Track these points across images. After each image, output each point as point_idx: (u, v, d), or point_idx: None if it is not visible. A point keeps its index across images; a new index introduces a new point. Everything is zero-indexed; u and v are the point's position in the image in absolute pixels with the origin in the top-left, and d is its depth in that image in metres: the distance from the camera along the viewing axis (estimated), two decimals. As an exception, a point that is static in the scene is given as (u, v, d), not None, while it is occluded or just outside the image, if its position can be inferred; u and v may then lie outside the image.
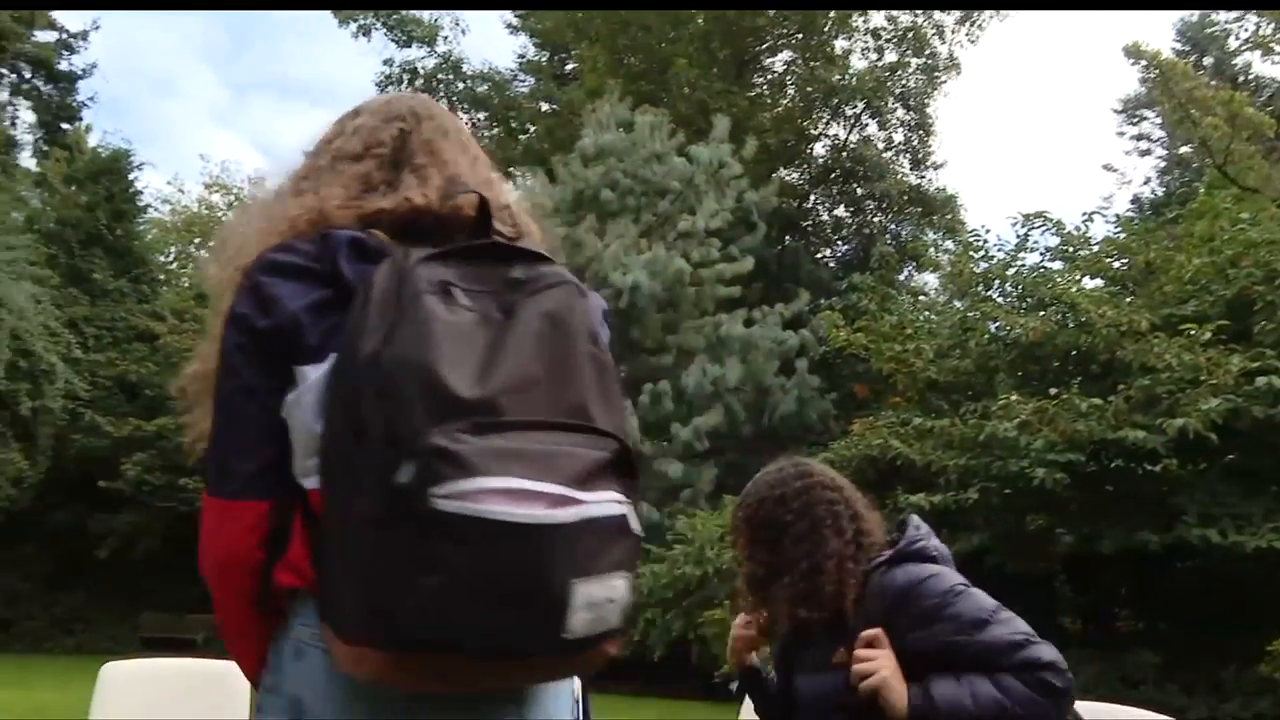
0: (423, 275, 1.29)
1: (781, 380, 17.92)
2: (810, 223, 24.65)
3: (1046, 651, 2.07)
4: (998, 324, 12.85)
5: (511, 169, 23.62)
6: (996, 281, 13.81)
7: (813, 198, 24.68)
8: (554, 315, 1.36)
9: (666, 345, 17.99)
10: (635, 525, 1.31)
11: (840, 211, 24.52)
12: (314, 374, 1.37)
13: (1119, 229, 15.19)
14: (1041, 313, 12.56)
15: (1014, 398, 10.78)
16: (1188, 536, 10.19)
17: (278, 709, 1.41)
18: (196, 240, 30.40)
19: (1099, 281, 13.55)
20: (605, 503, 1.27)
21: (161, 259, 28.39)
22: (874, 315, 15.28)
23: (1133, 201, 24.67)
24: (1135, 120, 27.60)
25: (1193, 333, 10.41)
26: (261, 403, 1.40)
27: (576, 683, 1.56)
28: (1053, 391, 10.67)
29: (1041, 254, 13.94)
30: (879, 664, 2.09)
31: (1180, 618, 11.68)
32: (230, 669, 4.13)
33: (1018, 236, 13.94)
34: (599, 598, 1.24)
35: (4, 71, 25.48)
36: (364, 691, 1.31)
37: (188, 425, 1.59)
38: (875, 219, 23.59)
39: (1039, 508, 10.98)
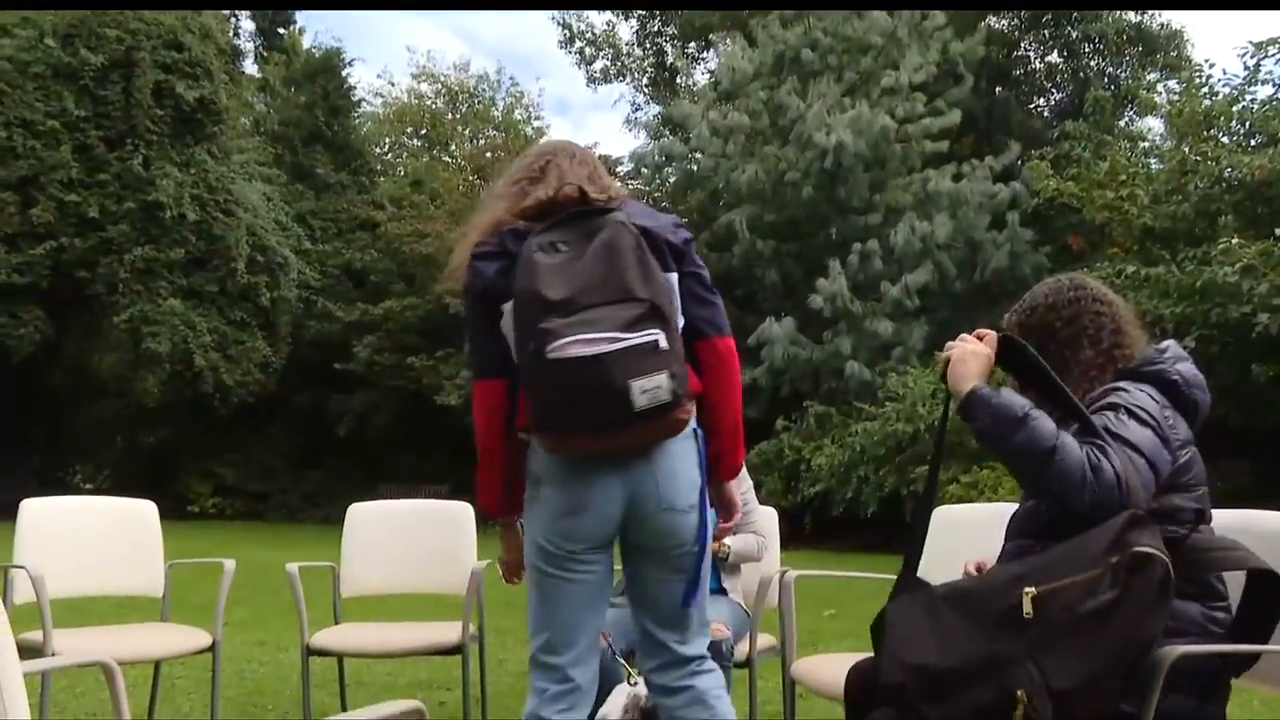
0: (535, 241, 2.34)
1: (993, 235, 17.37)
2: (1021, 71, 23.39)
3: (1112, 461, 2.01)
4: (1221, 165, 12.02)
5: (711, 35, 23.31)
6: (1221, 119, 12.88)
7: (1023, 44, 23.37)
8: (607, 242, 2.33)
9: (874, 204, 17.71)
10: (665, 344, 2.25)
11: (1053, 57, 23.12)
12: (506, 308, 2.40)
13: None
14: (1271, 150, 11.68)
15: (1236, 241, 10.17)
16: None
17: (530, 487, 2.46)
18: (409, 130, 31.44)
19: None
20: (643, 335, 2.23)
21: (377, 150, 29.56)
22: (1087, 163, 14.56)
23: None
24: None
25: None
26: (491, 327, 2.45)
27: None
28: (1279, 232, 10.00)
29: (1275, 85, 12.90)
30: (962, 346, 2.20)
31: None
32: (454, 508, 4.60)
33: (1246, 69, 12.91)
34: (650, 386, 2.21)
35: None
36: (558, 460, 2.38)
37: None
38: (1091, 63, 22.15)
39: (1265, 357, 10.41)
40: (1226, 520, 2.48)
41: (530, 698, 2.43)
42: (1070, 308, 2.33)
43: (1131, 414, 2.12)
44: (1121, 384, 2.20)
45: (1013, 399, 2.10)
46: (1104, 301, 2.34)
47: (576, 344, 2.18)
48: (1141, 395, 2.17)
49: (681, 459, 2.41)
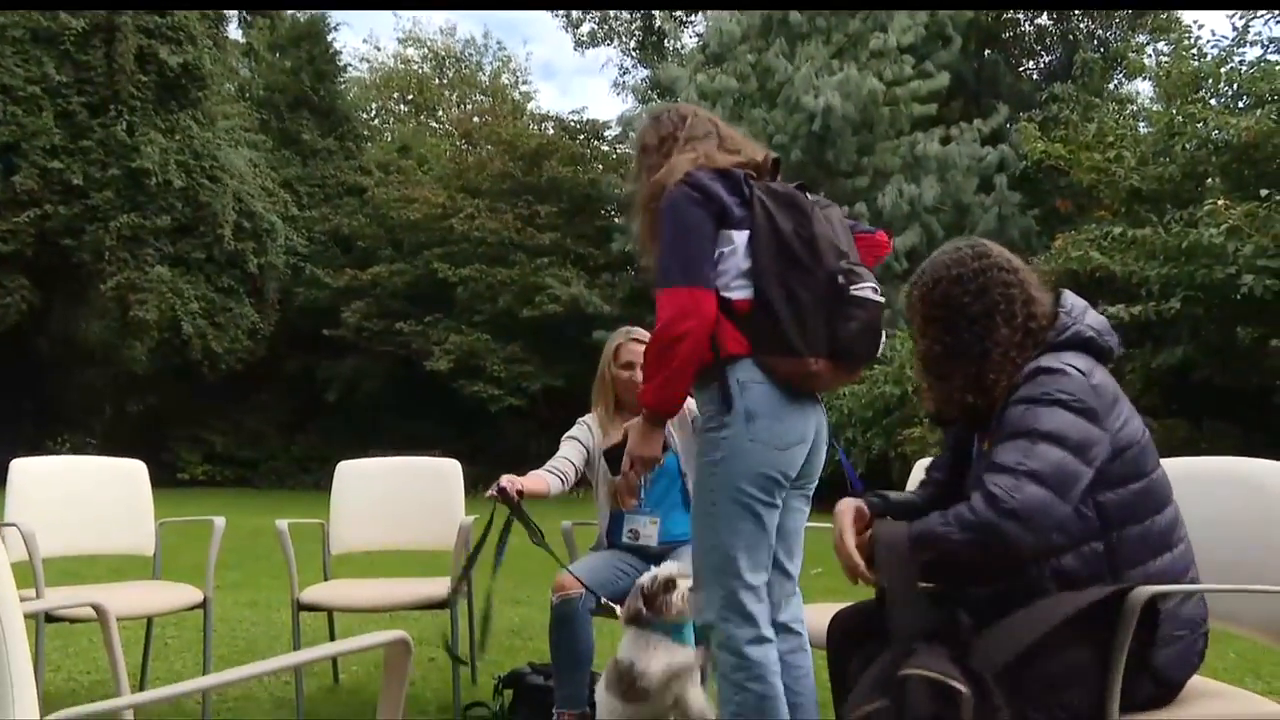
0: (792, 189, 2.67)
1: (981, 198, 17.40)
2: (1010, 33, 23.32)
3: (998, 484, 2.07)
4: (1208, 126, 12.01)
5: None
6: (1209, 80, 12.86)
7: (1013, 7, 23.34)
8: (830, 213, 2.71)
9: (862, 167, 17.71)
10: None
11: (1043, 19, 23.06)
12: (739, 237, 2.60)
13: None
14: (1259, 111, 11.68)
15: (1222, 203, 10.18)
16: None
17: (736, 422, 2.55)
18: (395, 95, 31.27)
19: (1331, 72, 12.41)
20: (882, 296, 2.64)
21: (364, 116, 29.40)
22: (1075, 126, 14.56)
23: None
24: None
25: None
26: (710, 241, 2.59)
27: None
28: (1264, 193, 10.01)
29: (1263, 46, 12.87)
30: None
31: None
32: (443, 465, 4.63)
33: (1235, 30, 12.89)
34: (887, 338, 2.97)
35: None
36: (774, 393, 2.56)
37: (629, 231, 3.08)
38: (1081, 25, 22.10)
39: (1250, 317, 10.46)
40: (1214, 467, 2.54)
41: (741, 627, 2.57)
42: (977, 280, 2.30)
43: (1056, 403, 2.14)
44: (1044, 363, 2.20)
45: (915, 527, 2.14)
46: (1010, 270, 2.32)
47: (868, 289, 2.57)
48: (1068, 379, 2.17)
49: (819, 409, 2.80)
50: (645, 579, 3.19)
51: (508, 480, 3.52)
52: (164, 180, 19.42)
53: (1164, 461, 2.33)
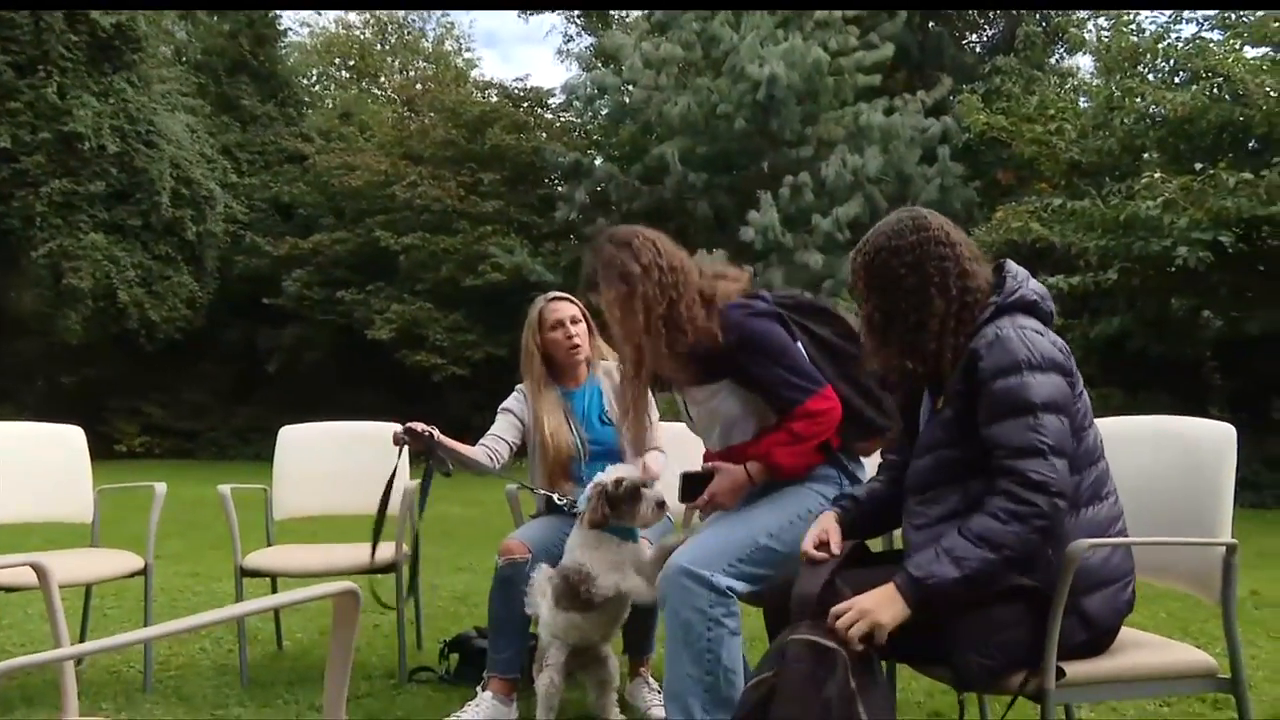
0: (814, 300, 3.19)
1: (924, 169, 17.48)
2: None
3: (1037, 469, 2.12)
4: (1146, 101, 12.21)
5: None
6: (1147, 55, 13.05)
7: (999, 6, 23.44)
8: None
9: (806, 137, 17.70)
10: None
11: (987, -7, 23.23)
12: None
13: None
14: (1194, 86, 11.88)
15: (1158, 176, 10.35)
16: (1342, 315, 9.82)
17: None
18: (337, 61, 30.81)
19: (1263, 50, 12.63)
20: None
21: (305, 82, 28.91)
22: (1017, 98, 14.71)
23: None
24: None
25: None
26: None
27: None
28: (1199, 167, 10.20)
29: (1199, 24, 13.09)
30: (852, 617, 2.14)
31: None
32: (387, 429, 4.57)
33: (1172, 7, 13.08)
34: None
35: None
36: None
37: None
38: (1023, -2, 22.29)
39: (1184, 289, 10.68)
40: (1148, 425, 2.60)
41: (737, 581, 2.76)
42: (913, 252, 2.35)
43: (1036, 368, 2.19)
44: (1004, 329, 2.23)
45: (943, 570, 2.12)
46: (947, 243, 2.36)
47: None
48: (1035, 343, 2.22)
49: None
50: (607, 480, 3.20)
51: (416, 424, 3.64)
52: (98, 145, 18.94)
53: (1102, 421, 2.40)
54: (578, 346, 3.85)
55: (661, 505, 3.20)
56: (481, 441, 3.89)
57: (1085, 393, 2.32)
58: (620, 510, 3.16)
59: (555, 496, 3.73)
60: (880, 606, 2.11)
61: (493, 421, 3.98)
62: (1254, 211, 9.74)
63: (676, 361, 2.99)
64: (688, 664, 2.72)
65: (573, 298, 3.89)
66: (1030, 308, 2.32)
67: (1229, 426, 2.44)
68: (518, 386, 4.01)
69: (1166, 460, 2.53)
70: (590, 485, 3.24)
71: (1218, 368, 12.56)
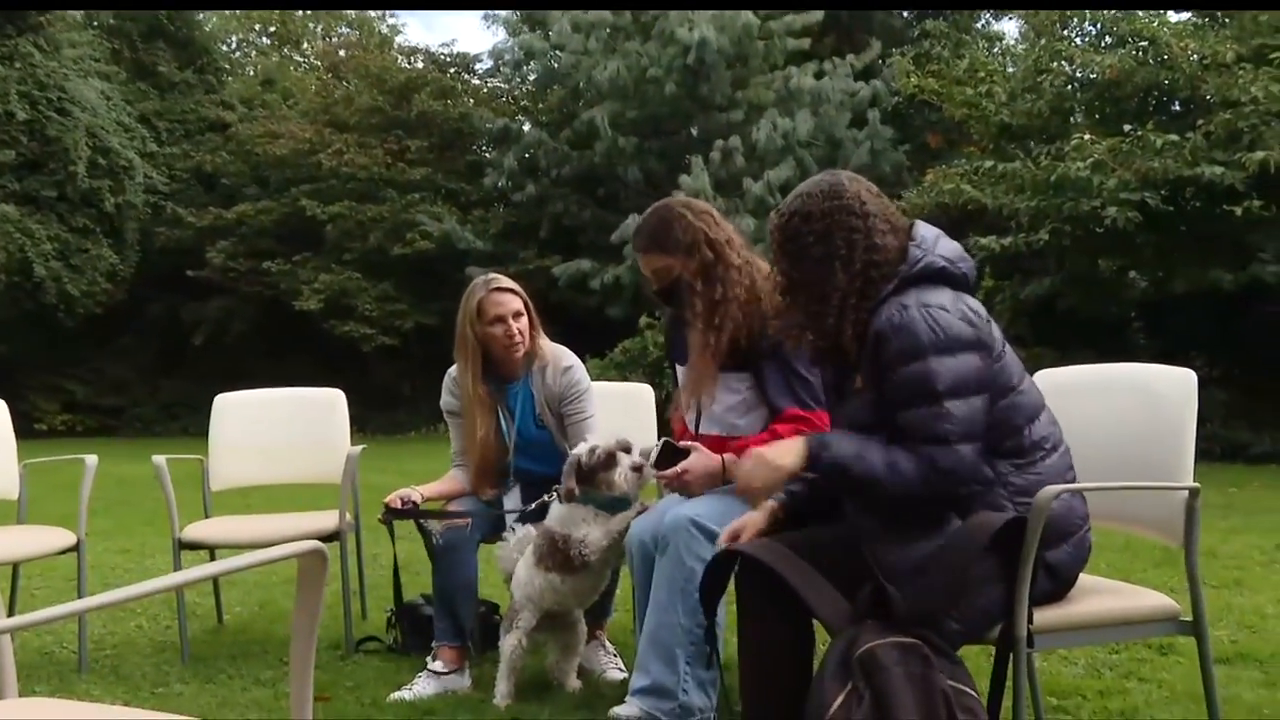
0: None
1: (854, 132, 17.56)
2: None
3: (943, 458, 2.14)
4: (1073, 64, 12.34)
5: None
6: (1074, 19, 13.18)
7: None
8: None
9: (736, 101, 17.68)
10: None
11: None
12: None
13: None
14: (1120, 50, 12.03)
15: (1087, 137, 10.48)
16: (1262, 275, 10.03)
17: None
18: (257, 27, 30.07)
19: (1186, 15, 12.82)
20: None
21: (224, 48, 28.16)
22: (947, 61, 14.79)
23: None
24: None
25: (1284, 61, 9.91)
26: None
27: None
28: (1127, 128, 10.34)
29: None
30: (755, 468, 2.31)
31: (1254, 361, 11.60)
32: (327, 395, 4.47)
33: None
34: None
35: None
36: None
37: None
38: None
39: (1111, 249, 10.84)
40: (1110, 373, 2.60)
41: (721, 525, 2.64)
42: (823, 221, 2.29)
43: (943, 351, 2.15)
44: (910, 309, 2.18)
45: (842, 451, 2.21)
46: (859, 213, 2.29)
47: None
48: (938, 318, 2.17)
49: None
50: (582, 451, 3.12)
51: (394, 497, 3.55)
52: (6, 112, 18.30)
53: (1063, 370, 2.39)
54: (518, 343, 3.61)
55: (638, 470, 3.08)
56: (455, 464, 3.78)
57: (1009, 354, 2.28)
58: (595, 479, 3.07)
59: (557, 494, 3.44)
60: (780, 454, 2.26)
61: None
62: (1180, 172, 9.89)
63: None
64: (681, 614, 2.71)
65: (515, 286, 3.65)
66: (939, 275, 2.26)
67: (1190, 372, 2.45)
68: (449, 373, 3.76)
69: (1128, 407, 2.53)
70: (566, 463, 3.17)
71: (1142, 327, 12.82)
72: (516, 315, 3.60)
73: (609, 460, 3.05)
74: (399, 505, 3.54)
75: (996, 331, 2.27)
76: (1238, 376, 11.44)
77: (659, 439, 2.98)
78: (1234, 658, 3.54)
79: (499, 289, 3.60)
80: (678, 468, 2.85)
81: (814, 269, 2.28)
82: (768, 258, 2.63)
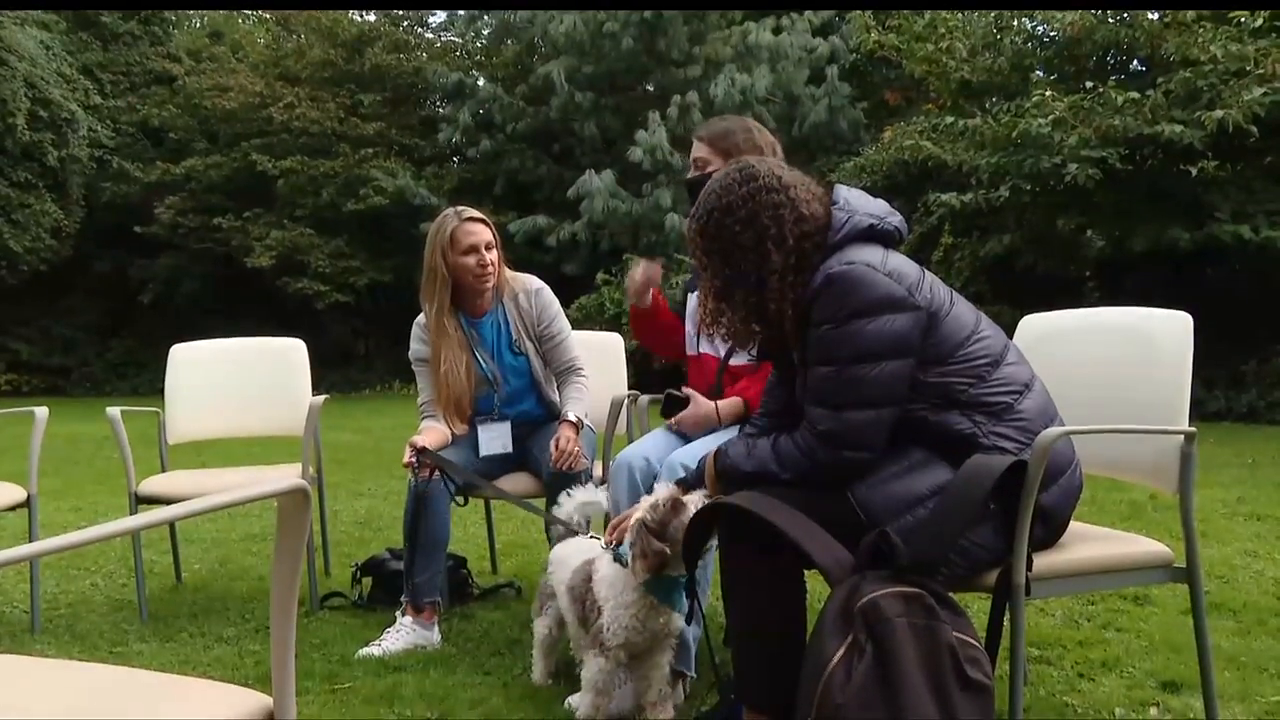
0: None
1: (811, 89, 17.49)
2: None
3: (823, 422, 2.11)
4: (1034, 20, 12.31)
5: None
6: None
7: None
8: None
9: (693, 56, 17.55)
10: None
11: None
12: None
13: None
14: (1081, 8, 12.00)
15: (1048, 94, 10.45)
16: (1219, 234, 10.08)
17: None
18: (203, -22, 29.33)
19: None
20: None
21: (169, -1, 27.47)
22: (906, 17, 14.70)
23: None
24: None
25: (1243, 20, 9.91)
26: None
27: None
28: (1089, 85, 10.33)
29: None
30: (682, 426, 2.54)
31: (1208, 318, 11.70)
32: (286, 344, 4.34)
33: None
34: None
35: None
36: None
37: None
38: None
39: (1070, 207, 10.86)
40: (1104, 317, 2.56)
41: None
42: (745, 207, 2.21)
43: (854, 315, 2.08)
44: (832, 269, 2.11)
45: (734, 451, 2.30)
46: (779, 189, 2.22)
47: None
48: (860, 282, 2.09)
49: None
50: (642, 514, 2.46)
51: (417, 443, 3.38)
52: (-62, 62, 17.76)
53: (1060, 314, 2.34)
54: (489, 273, 3.56)
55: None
56: (422, 409, 3.65)
57: (960, 303, 2.21)
58: (666, 534, 2.41)
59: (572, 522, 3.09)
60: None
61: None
62: (1139, 130, 9.88)
63: None
64: None
65: (485, 217, 3.61)
66: (868, 234, 2.20)
67: (1186, 315, 2.41)
68: (417, 322, 3.66)
69: (1124, 351, 2.49)
70: (630, 529, 2.49)
71: (1096, 286, 12.89)
72: (489, 246, 3.58)
73: (675, 506, 2.41)
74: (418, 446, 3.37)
75: (939, 286, 2.20)
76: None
77: (664, 391, 3.15)
78: (1209, 608, 3.54)
79: (471, 219, 3.58)
80: (675, 419, 3.10)
81: (747, 257, 2.20)
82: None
